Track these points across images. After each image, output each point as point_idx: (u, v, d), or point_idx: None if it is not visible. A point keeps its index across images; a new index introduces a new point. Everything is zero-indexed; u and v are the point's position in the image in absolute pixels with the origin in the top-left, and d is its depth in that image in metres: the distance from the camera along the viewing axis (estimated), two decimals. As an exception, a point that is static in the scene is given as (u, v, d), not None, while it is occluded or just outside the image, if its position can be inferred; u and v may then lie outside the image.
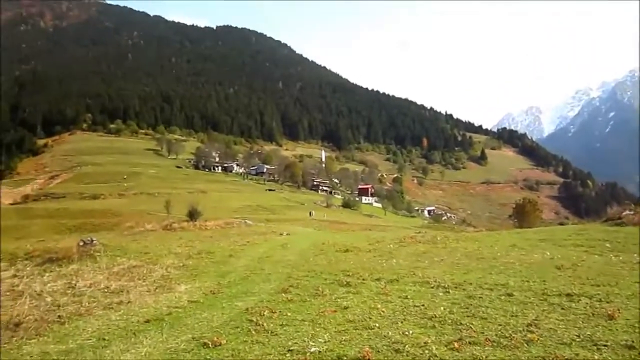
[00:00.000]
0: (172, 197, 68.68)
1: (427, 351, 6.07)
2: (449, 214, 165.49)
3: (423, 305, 8.53)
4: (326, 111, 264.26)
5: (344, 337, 6.80)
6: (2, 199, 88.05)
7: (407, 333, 6.85)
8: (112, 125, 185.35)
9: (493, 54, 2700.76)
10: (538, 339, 6.33)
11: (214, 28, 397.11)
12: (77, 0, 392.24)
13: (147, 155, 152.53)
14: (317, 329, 7.31)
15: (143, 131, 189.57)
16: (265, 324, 7.60)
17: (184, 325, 8.02)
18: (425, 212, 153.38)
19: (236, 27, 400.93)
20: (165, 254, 17.49)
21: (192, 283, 12.00)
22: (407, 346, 6.26)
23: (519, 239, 18.78)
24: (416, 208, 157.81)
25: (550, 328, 6.80)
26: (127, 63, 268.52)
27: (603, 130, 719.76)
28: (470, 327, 7.00)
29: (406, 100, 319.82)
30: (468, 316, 7.67)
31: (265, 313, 8.33)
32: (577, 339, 6.27)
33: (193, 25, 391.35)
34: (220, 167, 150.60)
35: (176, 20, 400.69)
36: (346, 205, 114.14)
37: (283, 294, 9.99)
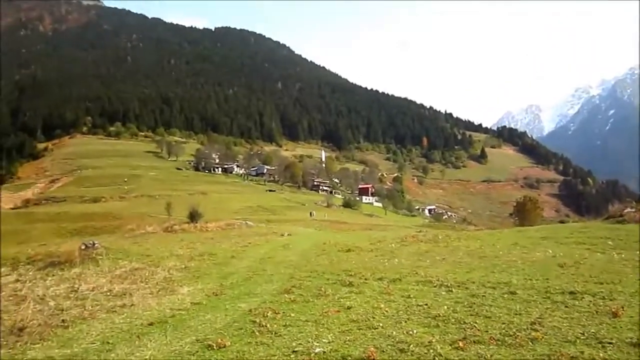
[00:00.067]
0: (172, 199, 68.61)
1: (431, 350, 6.06)
2: (449, 213, 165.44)
3: (426, 304, 8.53)
4: (326, 111, 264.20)
5: (348, 337, 6.79)
6: (3, 203, 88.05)
7: (411, 332, 6.85)
8: (112, 128, 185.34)
9: (492, 53, 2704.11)
10: (542, 337, 6.32)
11: (213, 29, 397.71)
12: (76, 4, 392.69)
13: (147, 158, 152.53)
14: (321, 330, 7.31)
15: (143, 133, 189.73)
16: (268, 325, 7.59)
17: (188, 327, 8.02)
18: (426, 211, 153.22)
19: (235, 28, 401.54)
20: (167, 256, 17.48)
21: (195, 285, 11.99)
22: (411, 345, 6.26)
23: (521, 237, 18.77)
24: (417, 207, 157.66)
25: (555, 326, 6.80)
26: (126, 65, 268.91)
27: (603, 128, 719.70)
28: (474, 326, 6.99)
29: (406, 99, 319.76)
30: (472, 315, 7.67)
31: (268, 314, 8.33)
32: (582, 337, 6.26)
33: (192, 26, 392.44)
34: (220, 169, 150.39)
35: (175, 22, 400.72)
36: (347, 205, 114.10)
37: (286, 295, 9.98)
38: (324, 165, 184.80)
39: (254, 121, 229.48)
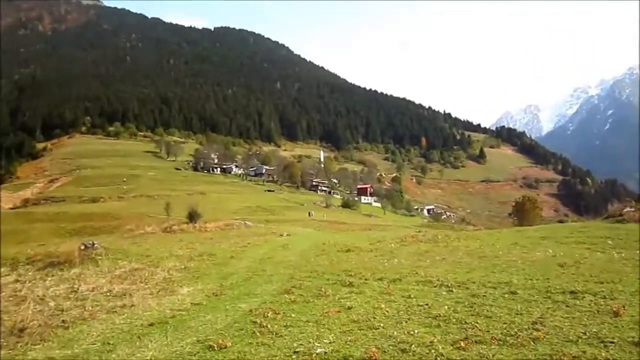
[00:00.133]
0: (171, 199, 68.69)
1: (433, 351, 6.06)
2: (448, 213, 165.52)
3: (427, 304, 8.52)
4: (324, 111, 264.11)
5: (349, 338, 6.78)
6: (2, 203, 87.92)
7: (412, 333, 6.84)
8: (111, 128, 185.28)
9: (491, 54, 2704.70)
10: (544, 336, 6.32)
11: (212, 29, 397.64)
12: (76, 3, 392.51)
13: (146, 158, 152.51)
14: (322, 330, 7.30)
15: (142, 133, 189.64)
16: (269, 326, 7.58)
17: (188, 328, 8.00)
18: (425, 211, 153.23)
19: (234, 28, 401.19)
20: (167, 257, 17.46)
21: (195, 285, 11.97)
22: (413, 346, 6.25)
23: (520, 237, 18.79)
24: (415, 207, 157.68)
25: (556, 326, 6.79)
26: (126, 65, 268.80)
27: (602, 128, 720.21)
28: (476, 326, 6.99)
29: (404, 99, 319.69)
30: (473, 315, 7.67)
31: (269, 314, 8.32)
32: (584, 337, 6.26)
33: (191, 26, 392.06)
34: (219, 169, 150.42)
35: (174, 22, 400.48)
36: (345, 205, 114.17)
37: (286, 295, 9.97)
38: (322, 165, 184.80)
39: (253, 121, 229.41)
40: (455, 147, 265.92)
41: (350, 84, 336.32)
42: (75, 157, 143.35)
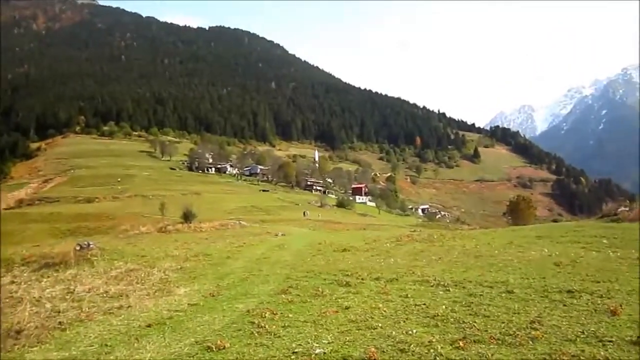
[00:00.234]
0: (166, 199, 68.46)
1: (432, 350, 6.06)
2: (442, 212, 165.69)
3: (424, 304, 8.54)
4: (319, 111, 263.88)
5: (347, 338, 6.79)
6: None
7: (410, 332, 6.85)
8: (105, 128, 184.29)
9: (485, 54, 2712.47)
10: (542, 336, 6.34)
11: (207, 29, 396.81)
12: (70, 2, 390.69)
13: (141, 157, 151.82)
14: (320, 330, 7.29)
15: (136, 133, 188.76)
16: (267, 326, 7.57)
17: (186, 329, 7.97)
18: (419, 211, 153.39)
19: (229, 28, 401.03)
20: (163, 257, 17.44)
21: (191, 286, 11.95)
22: (412, 345, 6.26)
23: (516, 236, 18.82)
24: (410, 207, 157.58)
25: (554, 325, 6.82)
26: (120, 64, 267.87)
27: (596, 127, 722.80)
28: (474, 325, 7.00)
29: (399, 99, 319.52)
30: (470, 314, 7.68)
31: (266, 315, 8.31)
32: (582, 336, 6.29)
33: (186, 26, 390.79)
34: (213, 168, 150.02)
35: (169, 21, 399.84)
36: (340, 204, 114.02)
37: (283, 295, 9.96)
38: (317, 165, 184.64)
39: (248, 121, 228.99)
40: (449, 146, 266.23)
41: (345, 83, 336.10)
42: (69, 157, 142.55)
